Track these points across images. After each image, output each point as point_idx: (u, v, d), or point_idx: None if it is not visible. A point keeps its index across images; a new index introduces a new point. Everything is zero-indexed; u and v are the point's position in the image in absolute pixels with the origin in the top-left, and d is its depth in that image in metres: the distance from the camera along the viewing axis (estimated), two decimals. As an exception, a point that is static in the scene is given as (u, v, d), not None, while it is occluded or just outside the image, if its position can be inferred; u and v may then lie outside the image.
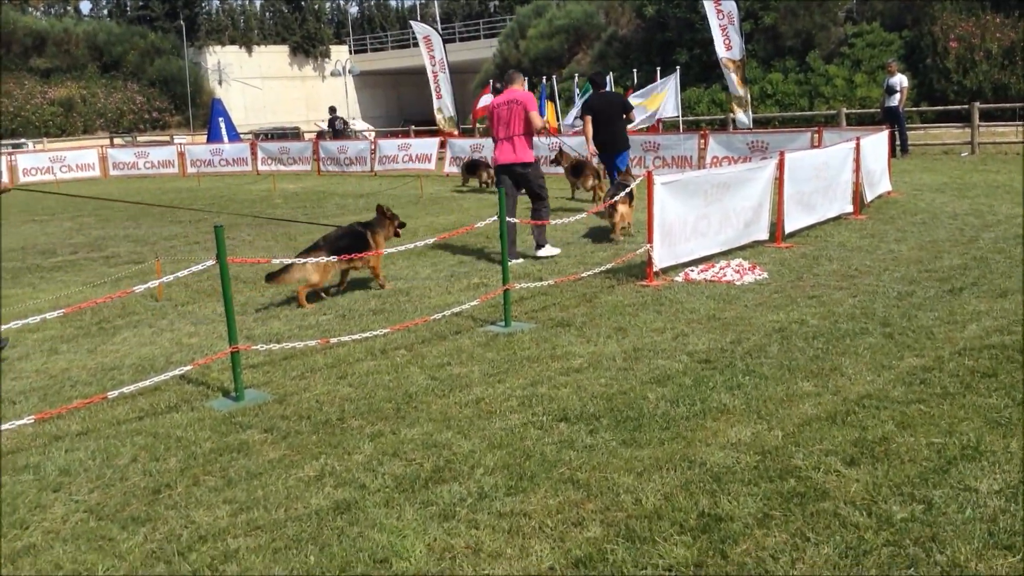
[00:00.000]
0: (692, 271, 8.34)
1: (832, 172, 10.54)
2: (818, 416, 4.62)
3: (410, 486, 4.05)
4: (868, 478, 3.86)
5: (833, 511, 3.59)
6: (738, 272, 8.19)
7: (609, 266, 8.40)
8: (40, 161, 27.27)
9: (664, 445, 4.34)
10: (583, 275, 8.20)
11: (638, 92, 21.75)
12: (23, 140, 39.01)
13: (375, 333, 6.48)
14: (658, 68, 24.23)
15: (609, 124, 11.87)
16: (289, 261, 7.87)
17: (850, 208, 11.00)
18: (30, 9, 51.81)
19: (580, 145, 18.15)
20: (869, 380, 5.13)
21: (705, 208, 8.65)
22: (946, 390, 4.89)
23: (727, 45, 20.49)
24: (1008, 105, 22.68)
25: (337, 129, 28.77)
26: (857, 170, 11.12)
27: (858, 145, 11.11)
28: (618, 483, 3.95)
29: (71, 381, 5.94)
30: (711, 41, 22.47)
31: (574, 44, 37.80)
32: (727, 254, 8.95)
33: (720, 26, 20.40)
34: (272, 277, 7.97)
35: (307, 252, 8.12)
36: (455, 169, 21.76)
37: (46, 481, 4.28)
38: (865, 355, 5.61)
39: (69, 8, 53.96)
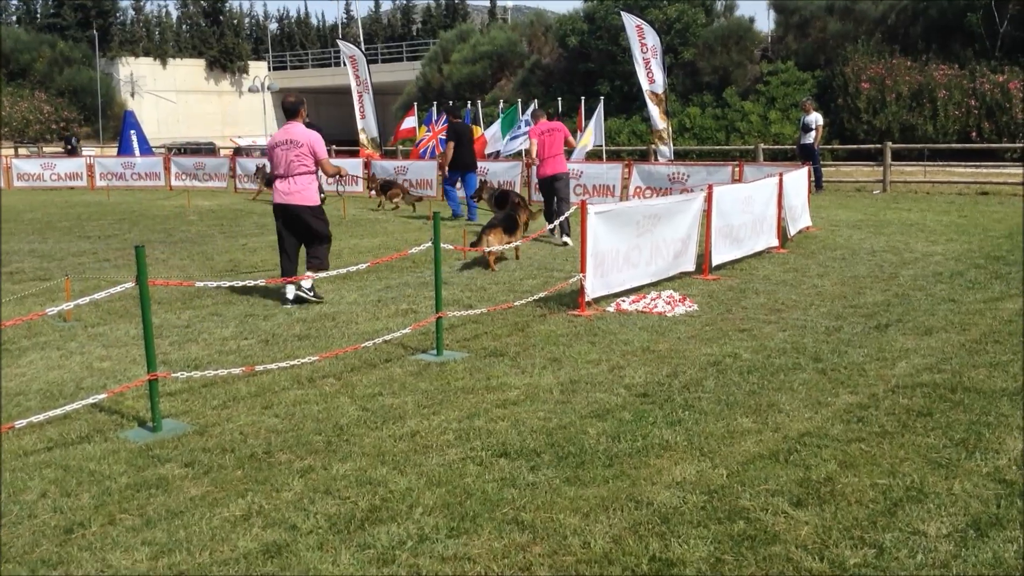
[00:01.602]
0: (623, 301, 8.30)
1: (758, 206, 10.69)
2: (761, 454, 4.57)
3: (345, 527, 3.84)
4: (817, 520, 3.81)
5: (785, 555, 3.52)
6: (669, 304, 8.19)
7: (541, 295, 8.30)
8: (-63, 169, 25.92)
9: (609, 483, 4.22)
10: (514, 304, 8.08)
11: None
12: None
13: (302, 360, 6.22)
14: (581, 97, 24.45)
15: (469, 146, 15.58)
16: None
17: (775, 242, 11.17)
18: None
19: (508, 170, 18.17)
20: (807, 417, 5.12)
21: (637, 239, 8.64)
22: (884, 429, 4.90)
23: (650, 79, 20.77)
24: (916, 146, 23.57)
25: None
26: (780, 205, 11.32)
27: (781, 180, 11.32)
28: (564, 524, 3.80)
29: (-29, 408, 5.53)
30: (632, 73, 22.78)
31: (497, 70, 37.95)
32: (656, 285, 8.96)
33: (644, 59, 20.68)
34: (474, 245, 10.09)
35: (487, 229, 10.18)
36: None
37: (-57, 520, 3.92)
38: (801, 391, 5.61)
39: (-27, 12, 51.86)
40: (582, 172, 18.93)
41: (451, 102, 20.05)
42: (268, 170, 11.73)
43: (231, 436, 4.98)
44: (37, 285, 9.64)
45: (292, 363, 6.16)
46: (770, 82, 30.37)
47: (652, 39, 20.76)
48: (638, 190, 17.82)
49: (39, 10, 51.66)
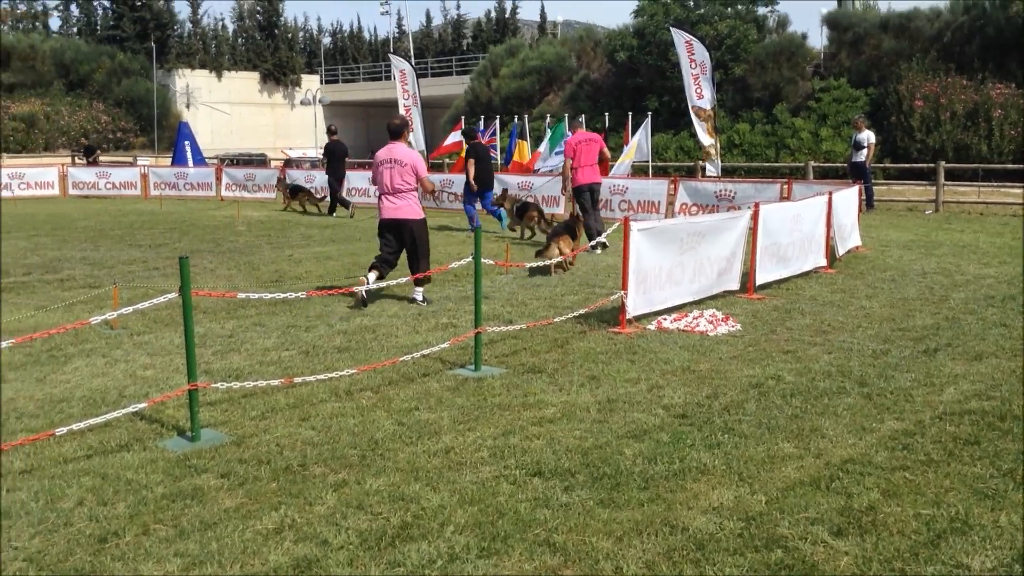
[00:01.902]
0: (665, 319, 8.21)
1: (806, 225, 10.53)
2: (801, 480, 4.46)
3: (376, 543, 3.82)
4: (857, 551, 3.70)
5: (823, 587, 3.42)
6: (711, 323, 8.08)
7: (581, 311, 8.25)
8: (-2, 177, 26.63)
9: (644, 507, 4.15)
10: (554, 320, 8.03)
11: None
12: (-19, 155, 38.19)
13: (340, 373, 6.23)
14: (629, 113, 24.37)
15: (487, 166, 15.86)
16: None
17: (823, 262, 10.99)
18: (-2, 23, 51.10)
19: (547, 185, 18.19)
20: (851, 443, 5.00)
21: (680, 256, 8.55)
22: (929, 457, 4.77)
23: (699, 94, 20.65)
24: (970, 165, 23.09)
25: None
26: (829, 224, 11.14)
27: (830, 199, 11.14)
28: (597, 548, 3.75)
29: (17, 413, 5.62)
30: (681, 89, 22.66)
31: (545, 85, 38.03)
32: (699, 303, 8.85)
33: (692, 75, 20.57)
34: (539, 254, 10.91)
35: (554, 236, 11.15)
36: (427, 203, 21.54)
37: (-18, 525, 3.98)
38: (845, 416, 5.48)
39: (38, 24, 53.25)
40: (627, 188, 18.84)
41: (468, 126, 20.34)
42: (288, 181, 12.52)
43: (268, 448, 5.00)
44: (86, 292, 9.82)
45: (331, 375, 6.18)
46: (822, 99, 30.03)
47: (701, 55, 20.65)
48: (684, 207, 17.68)
49: (99, 22, 52.93)
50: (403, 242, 9.25)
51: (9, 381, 6.37)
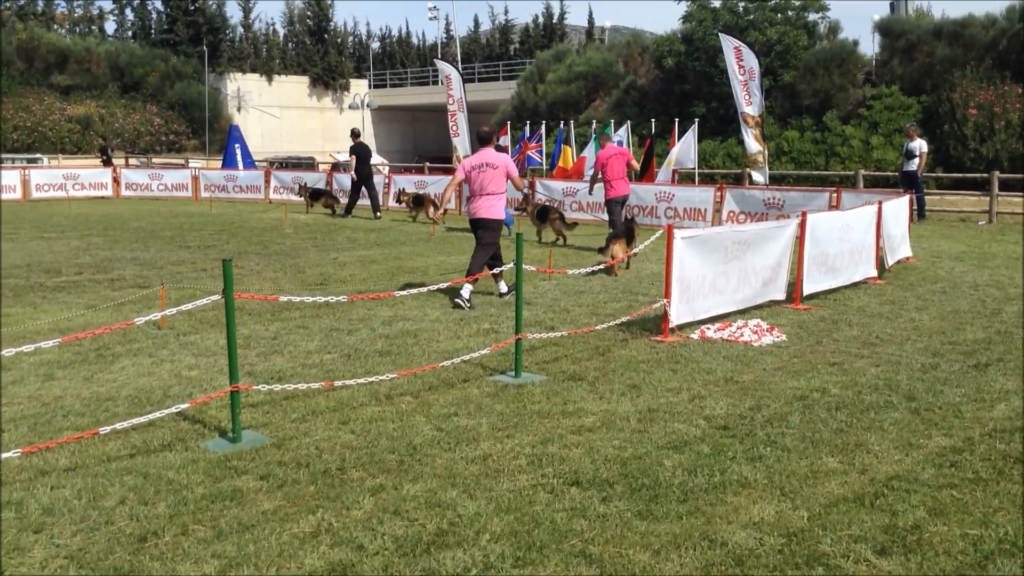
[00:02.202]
0: (708, 329, 8.12)
1: (855, 235, 10.36)
2: (845, 497, 4.37)
3: (411, 550, 3.81)
4: (901, 570, 3.61)
5: (865, 607, 3.34)
6: (756, 333, 7.98)
7: (623, 319, 8.19)
8: (53, 178, 27.23)
9: (682, 520, 4.09)
10: (596, 327, 7.99)
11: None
12: (39, 156, 39.11)
13: (380, 377, 6.25)
14: (675, 119, 24.21)
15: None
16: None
17: (873, 272, 10.81)
18: (55, 26, 52.30)
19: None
20: (897, 459, 4.89)
21: (724, 265, 8.46)
22: (978, 475, 4.64)
23: (747, 100, 20.42)
24: (1026, 175, 22.55)
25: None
26: (879, 234, 10.94)
27: (880, 209, 10.95)
28: (634, 560, 3.70)
29: (64, 411, 5.72)
30: (729, 95, 22.44)
31: (592, 91, 37.95)
32: (743, 313, 8.74)
33: (741, 81, 20.36)
34: (602, 251, 11.62)
35: (612, 239, 11.63)
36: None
37: (28, 520, 4.04)
38: (891, 431, 5.37)
39: (94, 28, 54.44)
40: (673, 195, 18.71)
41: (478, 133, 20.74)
42: (310, 186, 13.46)
43: (307, 450, 5.03)
44: (136, 292, 9.98)
45: (371, 379, 6.20)
46: (873, 106, 29.58)
47: (750, 61, 20.42)
48: (731, 215, 17.51)
49: (153, 26, 53.95)
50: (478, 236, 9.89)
51: (57, 380, 6.49)
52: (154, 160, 40.80)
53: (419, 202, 19.71)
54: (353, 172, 21.33)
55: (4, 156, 38.08)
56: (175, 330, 8.20)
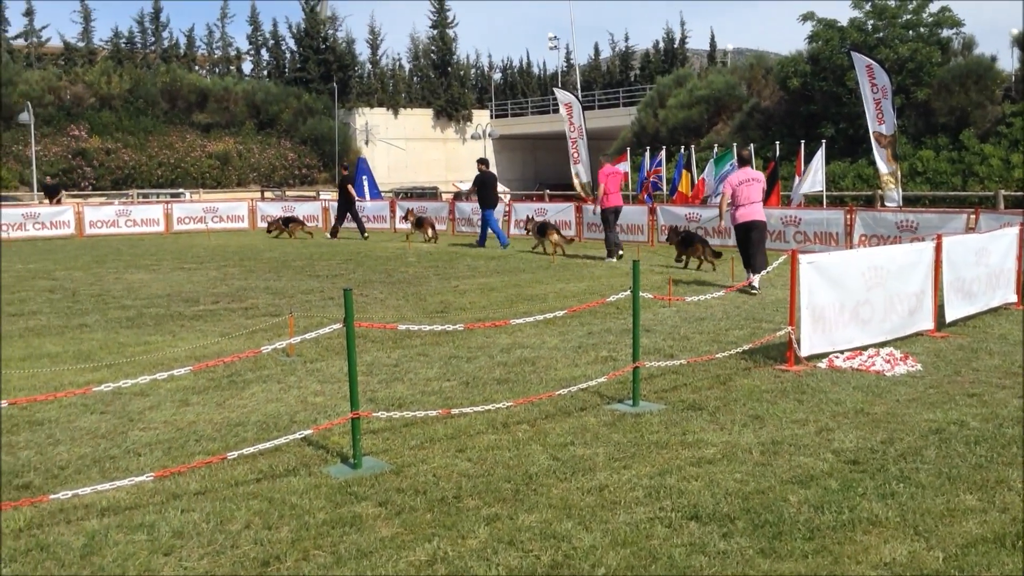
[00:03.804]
0: (837, 358, 7.82)
1: (994, 258, 9.81)
2: (984, 537, 4.10)
3: (525, 581, 3.78)
4: (1050, 621, 3.35)
5: (1009, 659, 3.11)
6: (888, 362, 7.62)
7: (746, 347, 7.98)
8: (194, 211, 28.70)
9: (808, 559, 3.92)
10: (717, 355, 7.80)
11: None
12: (181, 190, 41.34)
13: (497, 405, 6.27)
14: (801, 141, 23.58)
15: (493, 191, 20.41)
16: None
17: (1013, 298, 10.20)
18: (196, 67, 55.36)
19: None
20: (1044, 499, 4.56)
21: (866, 292, 8.11)
22: None
23: (879, 119, 19.72)
24: None
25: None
26: (1020, 257, 10.33)
27: (1022, 231, 10.34)
28: (754, 600, 3.56)
29: (196, 435, 5.96)
30: (858, 115, 21.76)
31: (714, 114, 37.46)
32: (887, 343, 8.35)
33: (874, 99, 19.68)
34: (678, 260, 15.47)
35: (690, 243, 15.19)
36: (593, 235, 21.68)
37: (158, 543, 4.21)
38: (1038, 468, 5.01)
39: (232, 68, 57.35)
40: (800, 219, 18.22)
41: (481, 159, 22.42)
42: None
43: (424, 478, 5.08)
44: (267, 321, 10.36)
45: (488, 407, 6.22)
46: (1013, 123, 28.08)
47: (882, 79, 19.73)
48: (863, 238, 16.88)
49: (287, 65, 56.42)
50: (751, 238, 12.13)
51: (192, 405, 6.78)
52: (287, 193, 42.51)
53: (419, 224, 22.49)
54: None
55: (149, 191, 40.47)
56: (303, 357, 8.45)
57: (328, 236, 24.22)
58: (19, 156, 43.02)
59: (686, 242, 15.53)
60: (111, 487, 4.67)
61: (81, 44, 52.97)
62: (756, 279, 12.01)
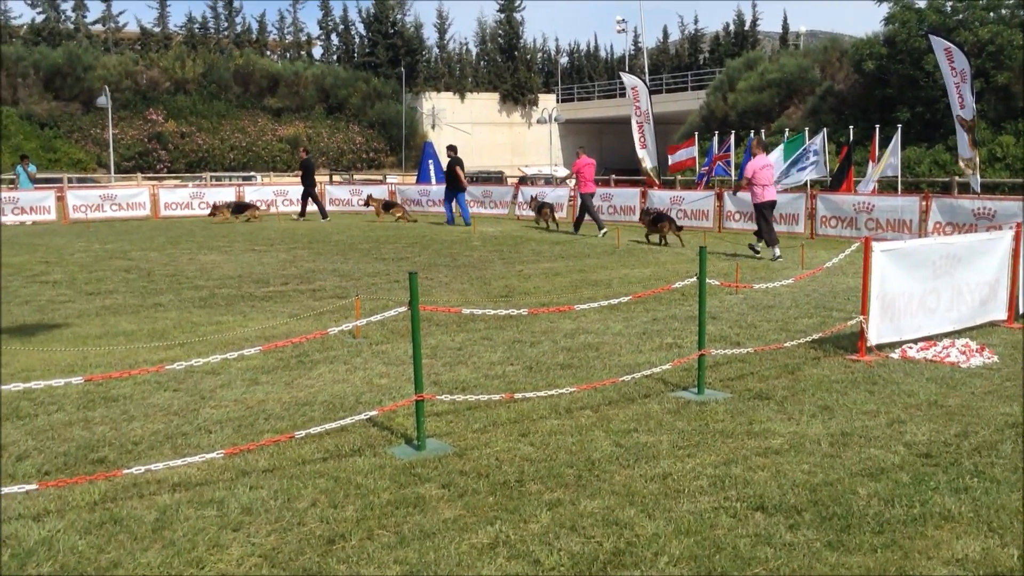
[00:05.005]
0: (911, 348, 7.62)
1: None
2: (1065, 537, 3.96)
3: (587, 568, 3.77)
4: None
5: (1089, 663, 3.00)
6: (964, 353, 7.41)
7: (815, 336, 7.83)
8: (265, 194, 29.15)
9: (877, 553, 3.83)
10: (785, 344, 7.67)
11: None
12: (253, 174, 42.11)
13: (561, 391, 6.26)
14: (876, 125, 22.98)
15: (462, 174, 22.78)
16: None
17: (1099, 289, 9.80)
18: (268, 52, 56.26)
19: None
20: None
21: (934, 281, 7.90)
22: None
23: (960, 103, 19.11)
24: None
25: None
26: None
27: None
28: (821, 593, 3.50)
29: (265, 414, 6.08)
30: (936, 99, 21.16)
31: (785, 98, 36.74)
32: (955, 333, 8.13)
33: (954, 83, 19.08)
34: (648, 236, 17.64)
35: (659, 221, 17.45)
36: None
37: (228, 519, 4.31)
38: (1123, 466, 4.82)
39: (303, 53, 58.15)
40: (873, 205, 17.79)
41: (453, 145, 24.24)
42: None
43: (487, 461, 5.10)
44: (334, 303, 10.51)
45: (551, 392, 6.22)
46: (1101, 107, 26.95)
47: (961, 62, 19.11)
48: (938, 226, 16.41)
49: (356, 50, 56.99)
50: (768, 216, 14.87)
51: (261, 384, 6.91)
52: (355, 176, 42.99)
53: (388, 207, 24.75)
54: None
55: (221, 175, 41.30)
56: (368, 339, 8.55)
57: (321, 219, 24.94)
58: (97, 139, 44.32)
59: (656, 221, 17.75)
60: (182, 463, 4.79)
61: (157, 30, 54.24)
62: (777, 249, 14.80)
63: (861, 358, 7.38)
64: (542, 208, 21.98)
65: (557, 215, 22.43)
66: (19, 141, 41.26)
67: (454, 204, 23.07)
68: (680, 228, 17.75)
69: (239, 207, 25.24)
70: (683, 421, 5.80)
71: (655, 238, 17.68)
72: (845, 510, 4.31)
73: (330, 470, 4.97)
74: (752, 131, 27.42)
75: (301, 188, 25.73)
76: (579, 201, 20.14)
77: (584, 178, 19.77)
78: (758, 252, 15.21)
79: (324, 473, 4.92)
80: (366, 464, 5.06)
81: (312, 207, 25.43)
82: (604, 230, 19.39)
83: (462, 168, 22.92)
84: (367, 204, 25.89)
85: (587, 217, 19.94)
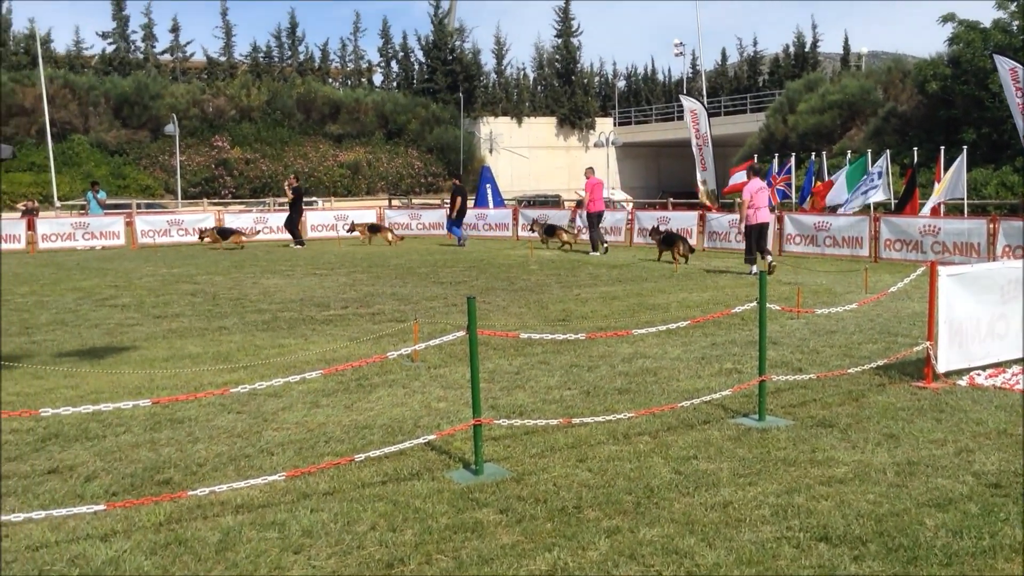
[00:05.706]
0: (979, 375, 7.43)
1: None
2: None
3: (646, 596, 3.74)
4: None
5: None
6: (1035, 381, 7.19)
7: (880, 362, 7.67)
8: (325, 219, 29.63)
9: (945, 587, 3.73)
10: (849, 370, 7.53)
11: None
12: (314, 199, 42.82)
13: (619, 416, 6.23)
14: (941, 147, 22.54)
15: (464, 203, 24.62)
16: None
17: None
18: (330, 80, 57.35)
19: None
20: None
21: (1002, 306, 7.70)
22: None
23: (1026, 124, 18.69)
24: None
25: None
26: None
27: None
28: (887, 628, 3.41)
29: (326, 437, 6.15)
30: (1002, 120, 20.70)
31: (847, 119, 36.26)
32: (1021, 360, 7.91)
33: (1019, 104, 18.68)
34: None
35: (671, 242, 17.95)
36: (714, 244, 21.35)
37: (289, 541, 4.36)
38: None
39: (363, 80, 59.15)
40: (939, 228, 17.43)
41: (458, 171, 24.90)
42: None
43: (545, 487, 5.09)
44: (393, 326, 10.61)
45: (609, 418, 6.19)
46: None
47: (1028, 81, 18.70)
48: (1007, 249, 16.00)
49: (415, 76, 57.80)
50: (763, 235, 16.03)
51: (322, 407, 7.00)
52: (414, 201, 43.47)
53: (375, 229, 25.54)
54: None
55: (284, 200, 42.04)
56: (427, 363, 8.61)
57: (296, 245, 24.65)
58: (164, 165, 45.55)
59: (667, 240, 18.35)
60: (245, 485, 4.87)
61: (223, 59, 55.69)
62: (769, 257, 16.07)
63: (928, 385, 7.22)
64: (555, 231, 22.72)
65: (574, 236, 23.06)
66: (90, 168, 42.69)
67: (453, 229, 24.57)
68: (692, 250, 18.38)
69: (223, 232, 25.21)
70: (744, 448, 5.73)
71: (667, 256, 18.25)
72: (912, 541, 4.20)
73: (389, 493, 5.01)
74: (813, 153, 27.08)
75: (291, 215, 25.34)
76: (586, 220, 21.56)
77: (593, 198, 21.08)
78: (753, 272, 15.62)
79: (383, 496, 4.96)
80: (424, 488, 5.09)
81: (287, 236, 25.31)
82: (597, 253, 20.43)
83: (463, 198, 24.69)
84: (351, 231, 26.41)
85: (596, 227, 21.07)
